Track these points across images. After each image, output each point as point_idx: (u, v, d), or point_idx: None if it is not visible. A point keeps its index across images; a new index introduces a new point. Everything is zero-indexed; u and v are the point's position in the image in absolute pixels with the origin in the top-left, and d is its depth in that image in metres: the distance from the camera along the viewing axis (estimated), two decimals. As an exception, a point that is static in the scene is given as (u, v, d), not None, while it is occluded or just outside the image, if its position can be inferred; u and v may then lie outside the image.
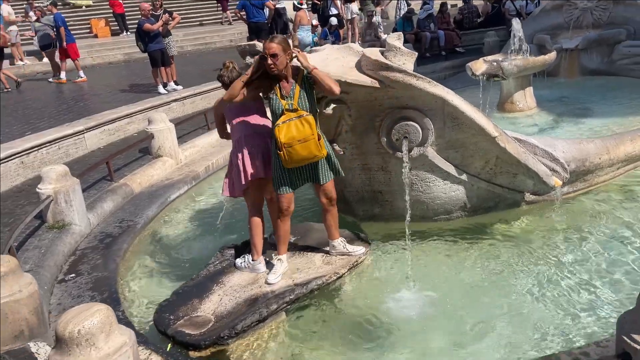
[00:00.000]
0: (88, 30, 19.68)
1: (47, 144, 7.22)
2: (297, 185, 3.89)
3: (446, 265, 4.39)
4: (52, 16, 12.54)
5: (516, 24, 8.20)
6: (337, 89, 3.62)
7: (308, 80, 3.71)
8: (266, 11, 13.07)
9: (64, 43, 12.45)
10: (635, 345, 2.11)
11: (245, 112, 3.96)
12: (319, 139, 3.65)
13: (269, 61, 3.56)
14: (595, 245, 4.50)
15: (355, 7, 15.89)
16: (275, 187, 3.86)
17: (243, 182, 3.94)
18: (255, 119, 3.96)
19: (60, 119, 8.74)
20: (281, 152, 3.62)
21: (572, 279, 4.06)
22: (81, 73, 12.96)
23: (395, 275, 4.29)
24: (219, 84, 4.20)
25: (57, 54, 12.74)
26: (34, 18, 13.72)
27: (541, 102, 8.25)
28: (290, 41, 5.22)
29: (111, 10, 19.66)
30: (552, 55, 8.14)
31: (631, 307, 2.37)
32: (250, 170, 3.89)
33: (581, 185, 5.28)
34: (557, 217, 4.94)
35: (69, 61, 12.88)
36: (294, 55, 3.63)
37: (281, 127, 3.58)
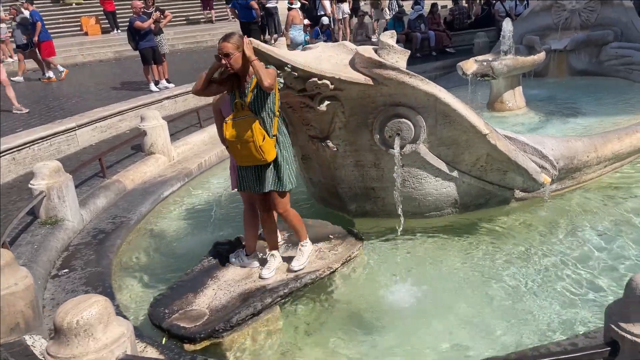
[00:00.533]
0: (78, 28, 19.54)
1: (38, 141, 7.21)
2: (244, 187, 3.78)
3: (437, 261, 4.45)
4: (27, 14, 12.32)
5: (507, 24, 8.29)
6: (266, 83, 3.34)
7: None
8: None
9: (36, 38, 12.06)
10: (623, 334, 2.18)
11: None
12: (264, 141, 3.49)
13: (223, 61, 3.48)
14: (583, 240, 4.59)
15: (346, 6, 15.97)
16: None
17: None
18: None
19: (52, 116, 8.71)
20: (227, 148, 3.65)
21: (560, 273, 4.14)
22: (60, 67, 12.75)
23: (387, 270, 4.35)
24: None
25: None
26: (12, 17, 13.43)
27: (530, 101, 8.35)
28: (283, 39, 5.26)
29: (102, 8, 19.54)
30: (541, 56, 8.24)
31: (619, 298, 2.43)
32: None
33: (569, 182, 5.37)
34: (546, 213, 5.03)
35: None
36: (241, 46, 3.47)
37: (228, 123, 3.54)
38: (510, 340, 3.46)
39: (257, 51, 3.87)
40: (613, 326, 2.22)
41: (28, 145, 7.01)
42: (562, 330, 3.48)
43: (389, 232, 4.72)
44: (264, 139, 3.51)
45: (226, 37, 3.54)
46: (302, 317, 3.85)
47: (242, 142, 3.50)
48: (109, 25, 19.50)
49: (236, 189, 4.21)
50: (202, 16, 21.83)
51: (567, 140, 5.27)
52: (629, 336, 2.14)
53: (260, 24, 13.55)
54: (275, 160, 3.66)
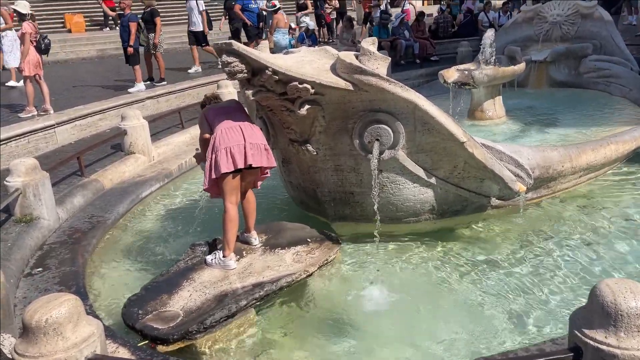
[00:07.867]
0: (61, 25, 19.32)
1: (16, 138, 7.11)
2: None
3: (413, 266, 4.50)
4: None
5: (488, 34, 8.40)
6: None
7: None
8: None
9: None
10: (586, 340, 2.22)
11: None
12: None
13: None
14: (556, 248, 4.68)
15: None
16: None
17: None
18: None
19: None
20: None
21: (533, 280, 4.21)
22: None
23: (363, 274, 4.39)
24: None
25: None
26: None
27: (510, 111, 8.48)
28: (266, 42, 5.27)
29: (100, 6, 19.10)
30: (521, 66, 8.37)
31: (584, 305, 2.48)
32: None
33: (545, 191, 5.46)
34: (521, 221, 5.11)
35: None
36: None
37: None
38: (481, 345, 3.50)
39: (238, 54, 3.90)
40: (577, 332, 2.26)
41: (5, 142, 6.91)
42: (531, 337, 3.54)
43: (367, 237, 4.74)
44: None
45: None
46: (278, 320, 3.86)
47: None
48: (103, 23, 19.27)
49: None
50: None
51: (543, 150, 5.36)
52: (591, 342, 2.18)
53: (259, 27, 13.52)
54: None
